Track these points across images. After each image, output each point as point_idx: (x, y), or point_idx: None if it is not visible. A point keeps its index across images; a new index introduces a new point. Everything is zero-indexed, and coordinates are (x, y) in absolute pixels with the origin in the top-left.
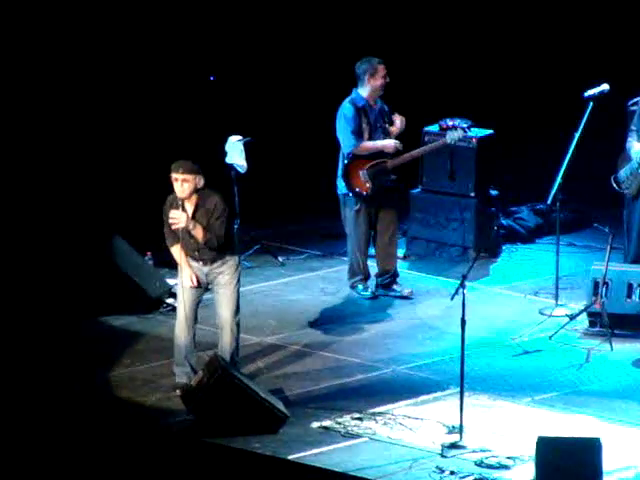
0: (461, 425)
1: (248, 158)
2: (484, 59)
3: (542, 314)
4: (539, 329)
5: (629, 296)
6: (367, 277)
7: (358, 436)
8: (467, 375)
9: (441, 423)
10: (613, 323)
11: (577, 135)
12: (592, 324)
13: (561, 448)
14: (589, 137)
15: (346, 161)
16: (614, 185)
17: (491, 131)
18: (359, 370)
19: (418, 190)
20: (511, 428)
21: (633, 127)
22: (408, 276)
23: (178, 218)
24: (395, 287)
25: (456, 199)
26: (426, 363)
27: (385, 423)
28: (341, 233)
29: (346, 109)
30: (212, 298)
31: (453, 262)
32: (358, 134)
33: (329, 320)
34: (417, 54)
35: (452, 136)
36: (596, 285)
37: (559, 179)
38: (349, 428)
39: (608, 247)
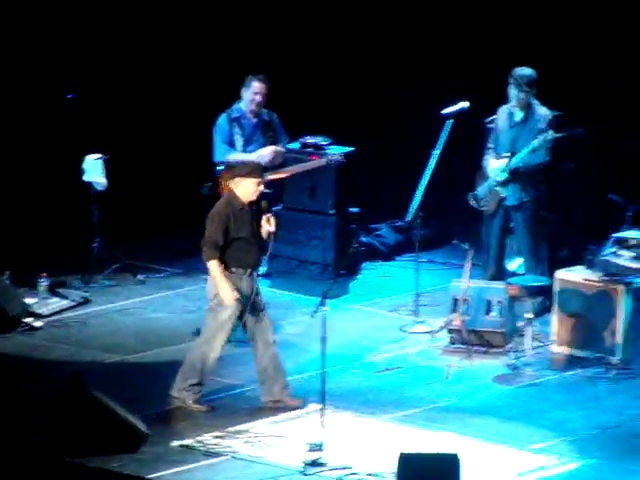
0: (322, 442)
1: (108, 175)
2: (342, 76)
3: (403, 331)
4: (400, 346)
5: (488, 312)
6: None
7: (219, 454)
8: (329, 392)
9: (303, 440)
10: (473, 339)
11: (436, 152)
12: (452, 340)
13: (421, 464)
14: (448, 154)
15: (217, 169)
16: (472, 202)
17: (351, 148)
18: (220, 388)
19: (279, 207)
20: (373, 445)
21: (490, 144)
22: (269, 293)
23: (273, 220)
24: None
25: (316, 216)
26: (288, 380)
27: (246, 441)
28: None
29: (220, 119)
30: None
31: (314, 280)
32: (228, 144)
33: (190, 338)
34: (277, 72)
35: (332, 158)
36: (456, 302)
37: (419, 196)
38: (210, 446)
39: (467, 264)
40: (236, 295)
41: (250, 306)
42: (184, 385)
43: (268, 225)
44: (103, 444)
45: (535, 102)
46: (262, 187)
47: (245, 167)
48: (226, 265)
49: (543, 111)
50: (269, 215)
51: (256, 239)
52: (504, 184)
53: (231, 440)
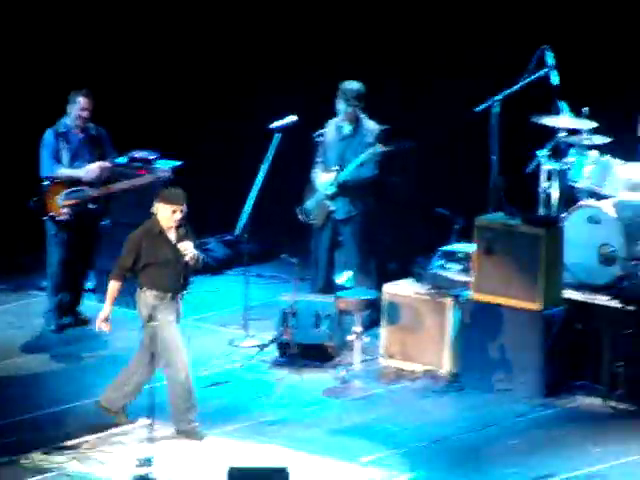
0: (152, 457)
1: None
2: (169, 89)
3: (232, 345)
4: (229, 360)
5: (317, 326)
6: (62, 308)
7: (47, 471)
8: (158, 407)
9: (132, 456)
10: (302, 353)
11: (265, 166)
12: (281, 354)
13: (251, 478)
14: (277, 168)
15: (44, 184)
16: (301, 216)
17: (178, 162)
18: (49, 403)
19: (107, 222)
20: (202, 459)
21: (318, 158)
22: (97, 309)
23: (187, 248)
24: (77, 312)
25: None
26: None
27: (74, 457)
28: (32, 266)
29: (46, 134)
30: None
31: None
32: (55, 159)
33: (16, 354)
34: (104, 86)
35: (160, 173)
36: (284, 315)
37: (247, 210)
38: (37, 462)
39: (296, 278)
40: (104, 324)
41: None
42: (180, 415)
43: (184, 252)
44: None
45: (363, 116)
46: (179, 215)
47: (163, 193)
48: (145, 287)
49: (371, 125)
50: (182, 243)
51: (175, 264)
52: (332, 197)
53: (59, 456)
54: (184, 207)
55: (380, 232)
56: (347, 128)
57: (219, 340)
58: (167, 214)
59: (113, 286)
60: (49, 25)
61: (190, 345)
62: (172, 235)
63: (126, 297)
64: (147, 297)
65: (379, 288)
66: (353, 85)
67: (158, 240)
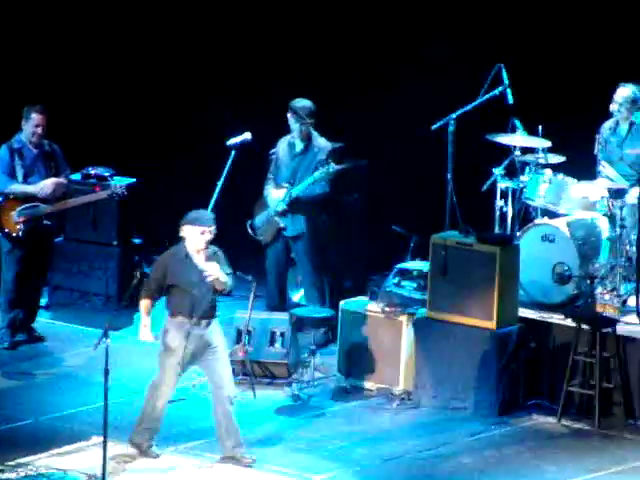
0: (104, 475)
1: None
2: (125, 107)
3: None
4: (184, 377)
5: (272, 343)
6: (15, 325)
7: None
8: (111, 425)
9: (85, 473)
10: (256, 370)
11: (220, 183)
12: (236, 372)
13: None
14: (233, 184)
15: None
16: (250, 231)
17: (133, 179)
18: (2, 420)
19: (61, 239)
20: (157, 477)
21: (270, 175)
22: (51, 326)
23: (213, 270)
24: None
25: (99, 248)
26: (70, 413)
27: (27, 475)
28: None
29: (1, 150)
30: None
31: (97, 311)
32: (10, 175)
33: None
34: (59, 101)
35: (115, 190)
36: (239, 333)
37: None
38: None
39: (251, 295)
40: (148, 336)
41: (194, 355)
42: (139, 429)
43: (207, 274)
44: None
45: (315, 133)
46: (209, 236)
47: (191, 215)
48: (170, 312)
49: (323, 142)
50: (206, 264)
51: (201, 288)
52: (283, 214)
53: (11, 473)
54: (213, 228)
55: (334, 250)
56: (299, 145)
57: None
58: (196, 236)
59: (144, 303)
60: (2, 41)
61: (145, 363)
62: (201, 258)
63: (81, 314)
64: (168, 322)
65: (334, 306)
66: (305, 103)
67: (184, 263)
